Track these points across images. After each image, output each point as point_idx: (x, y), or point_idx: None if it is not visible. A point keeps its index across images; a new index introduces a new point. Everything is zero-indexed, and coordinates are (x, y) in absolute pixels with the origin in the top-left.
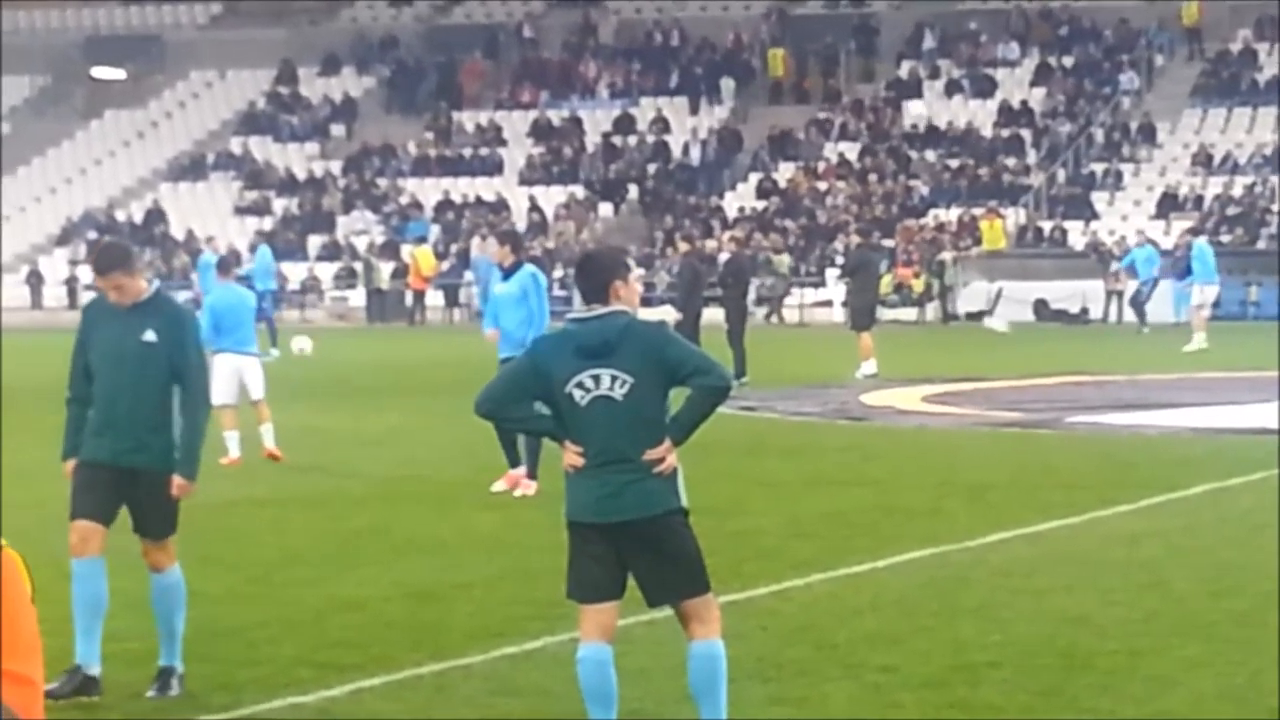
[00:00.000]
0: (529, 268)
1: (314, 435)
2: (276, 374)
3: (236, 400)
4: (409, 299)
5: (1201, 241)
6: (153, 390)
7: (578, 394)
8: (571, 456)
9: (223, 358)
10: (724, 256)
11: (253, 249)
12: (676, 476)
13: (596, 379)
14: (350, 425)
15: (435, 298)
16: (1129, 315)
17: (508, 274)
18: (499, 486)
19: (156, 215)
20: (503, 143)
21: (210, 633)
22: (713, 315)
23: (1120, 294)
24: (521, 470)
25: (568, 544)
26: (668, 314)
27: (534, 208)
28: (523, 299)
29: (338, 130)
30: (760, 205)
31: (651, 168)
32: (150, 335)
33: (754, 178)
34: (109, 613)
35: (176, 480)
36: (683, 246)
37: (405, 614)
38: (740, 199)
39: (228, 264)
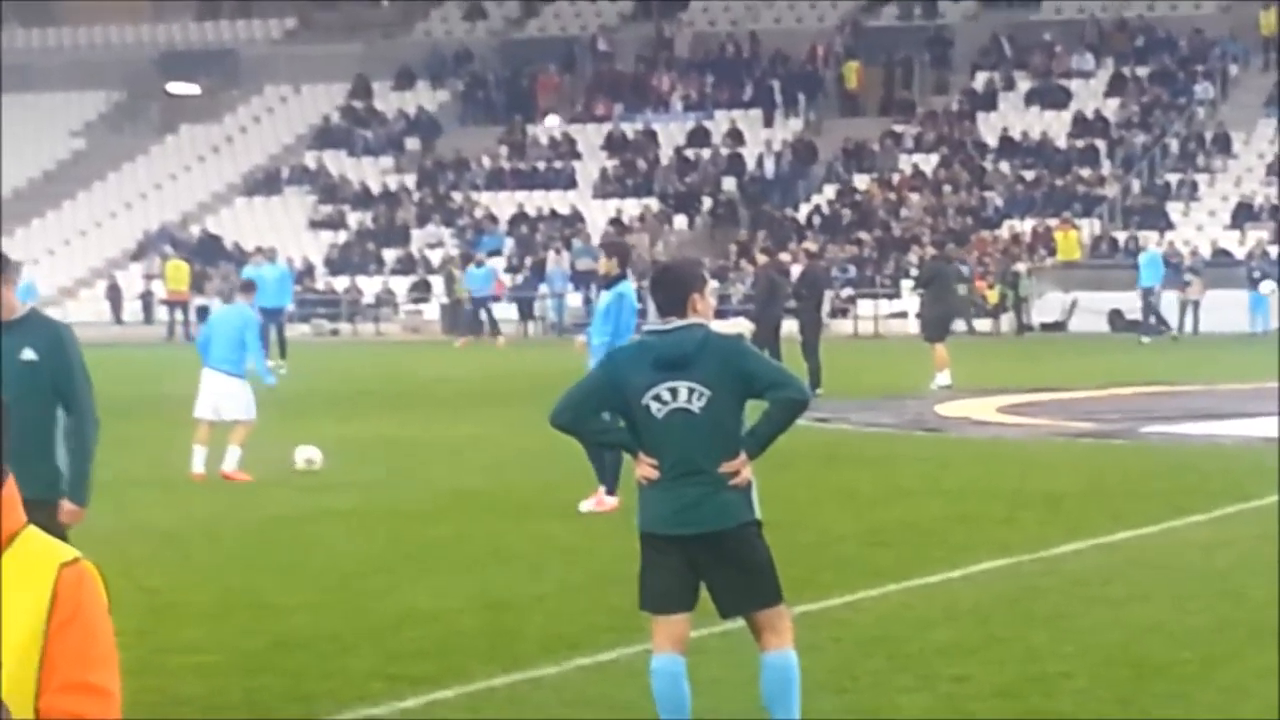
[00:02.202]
0: (623, 283)
1: (390, 446)
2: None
3: (214, 417)
4: (482, 312)
5: None
6: (35, 413)
7: (655, 406)
8: (646, 469)
9: (208, 374)
10: (797, 268)
11: (328, 263)
12: (751, 489)
13: (674, 391)
14: (426, 436)
15: (509, 310)
16: (1204, 325)
17: (608, 286)
18: (587, 506)
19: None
20: (577, 156)
21: (284, 644)
22: (788, 327)
23: (1196, 304)
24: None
25: (640, 555)
26: (742, 326)
27: (615, 220)
28: (606, 314)
29: (412, 144)
30: (833, 215)
31: (726, 180)
32: (30, 354)
33: (829, 189)
34: (180, 623)
35: (66, 506)
36: (761, 259)
37: (480, 625)
38: (814, 210)
39: (250, 285)
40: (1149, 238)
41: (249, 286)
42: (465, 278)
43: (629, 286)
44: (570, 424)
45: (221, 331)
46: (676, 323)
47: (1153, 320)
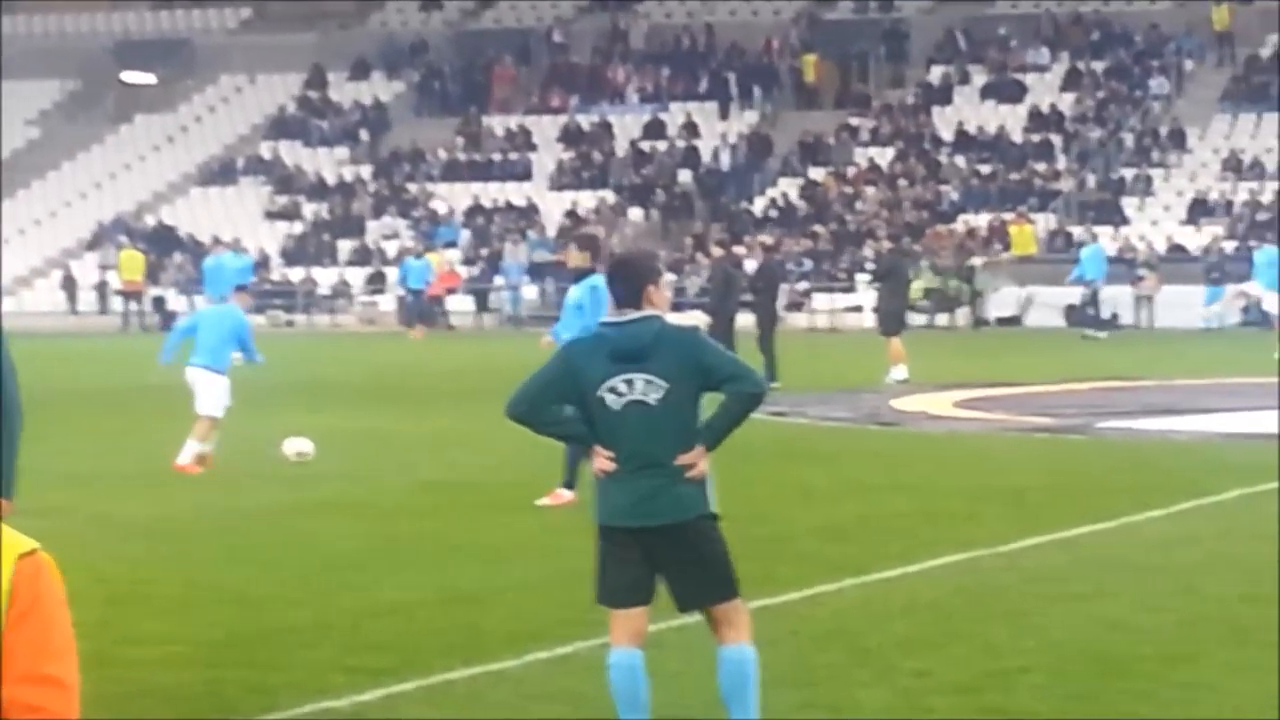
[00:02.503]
0: (594, 276)
1: (350, 440)
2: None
3: (219, 413)
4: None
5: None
6: None
7: (610, 398)
8: (602, 461)
9: (192, 371)
10: (753, 262)
11: (283, 254)
12: (708, 482)
13: (630, 383)
14: (386, 429)
15: (465, 302)
16: (1159, 320)
17: (578, 279)
18: (544, 501)
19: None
20: (533, 148)
21: (246, 636)
22: (744, 320)
23: (1150, 299)
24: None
25: (597, 549)
26: (698, 319)
27: (570, 212)
28: (578, 308)
29: (367, 135)
30: (789, 209)
31: (682, 173)
32: None
33: (785, 182)
34: (142, 615)
35: None
36: (716, 252)
37: (442, 618)
38: (770, 204)
39: (244, 289)
40: (1104, 232)
41: (243, 289)
42: (401, 269)
43: (601, 279)
44: (526, 416)
45: (211, 331)
46: (632, 315)
47: (1091, 314)
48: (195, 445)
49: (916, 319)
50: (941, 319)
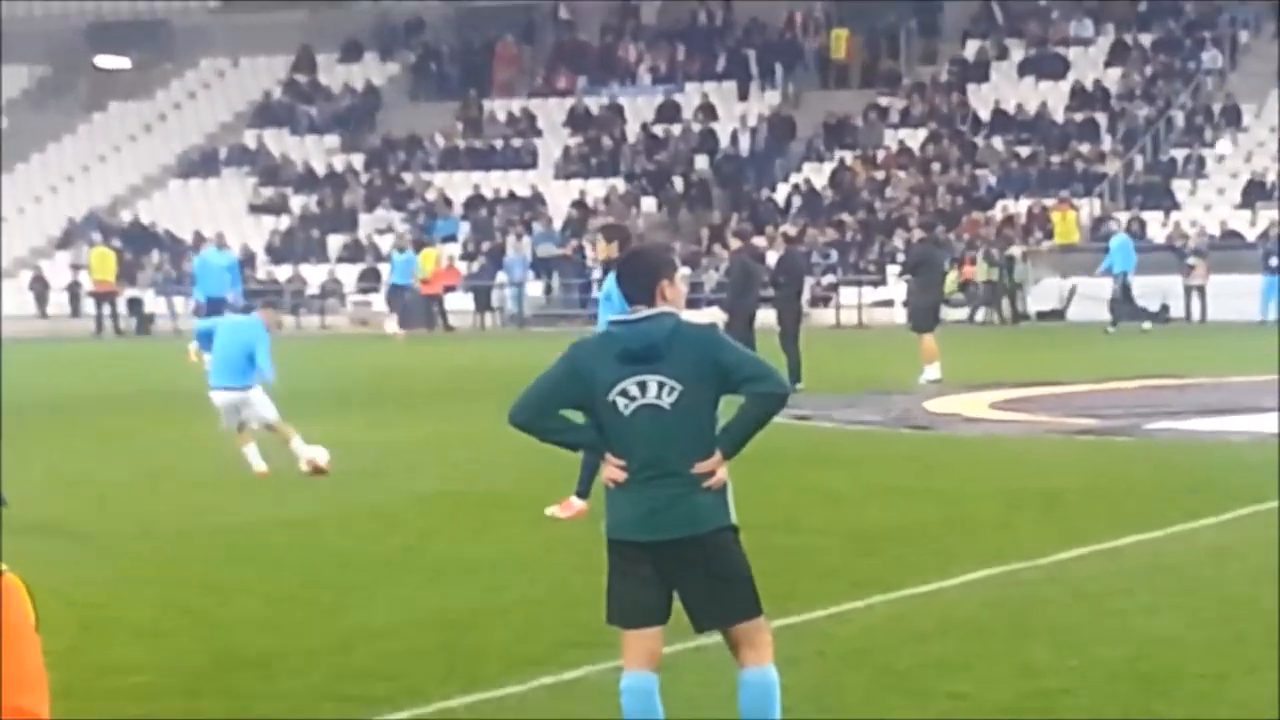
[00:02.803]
0: None
1: (341, 449)
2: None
3: (237, 423)
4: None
5: None
6: None
7: (621, 402)
8: (613, 470)
9: (217, 395)
10: (774, 254)
11: (269, 251)
12: (726, 491)
13: (642, 386)
14: (380, 437)
15: (465, 301)
16: (1211, 313)
17: (608, 272)
18: (553, 511)
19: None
20: (537, 133)
21: (228, 662)
22: (765, 317)
23: (1202, 290)
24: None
25: (608, 564)
26: (715, 315)
27: (578, 202)
28: (607, 299)
29: (360, 121)
30: (813, 196)
31: (698, 158)
32: None
33: (809, 168)
34: (115, 641)
35: None
36: (734, 244)
37: (438, 641)
38: (793, 191)
39: (271, 303)
40: (1153, 218)
41: (271, 305)
42: (392, 264)
43: None
44: (529, 423)
45: (228, 348)
46: (644, 312)
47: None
48: (303, 448)
49: (956, 314)
50: (993, 313)
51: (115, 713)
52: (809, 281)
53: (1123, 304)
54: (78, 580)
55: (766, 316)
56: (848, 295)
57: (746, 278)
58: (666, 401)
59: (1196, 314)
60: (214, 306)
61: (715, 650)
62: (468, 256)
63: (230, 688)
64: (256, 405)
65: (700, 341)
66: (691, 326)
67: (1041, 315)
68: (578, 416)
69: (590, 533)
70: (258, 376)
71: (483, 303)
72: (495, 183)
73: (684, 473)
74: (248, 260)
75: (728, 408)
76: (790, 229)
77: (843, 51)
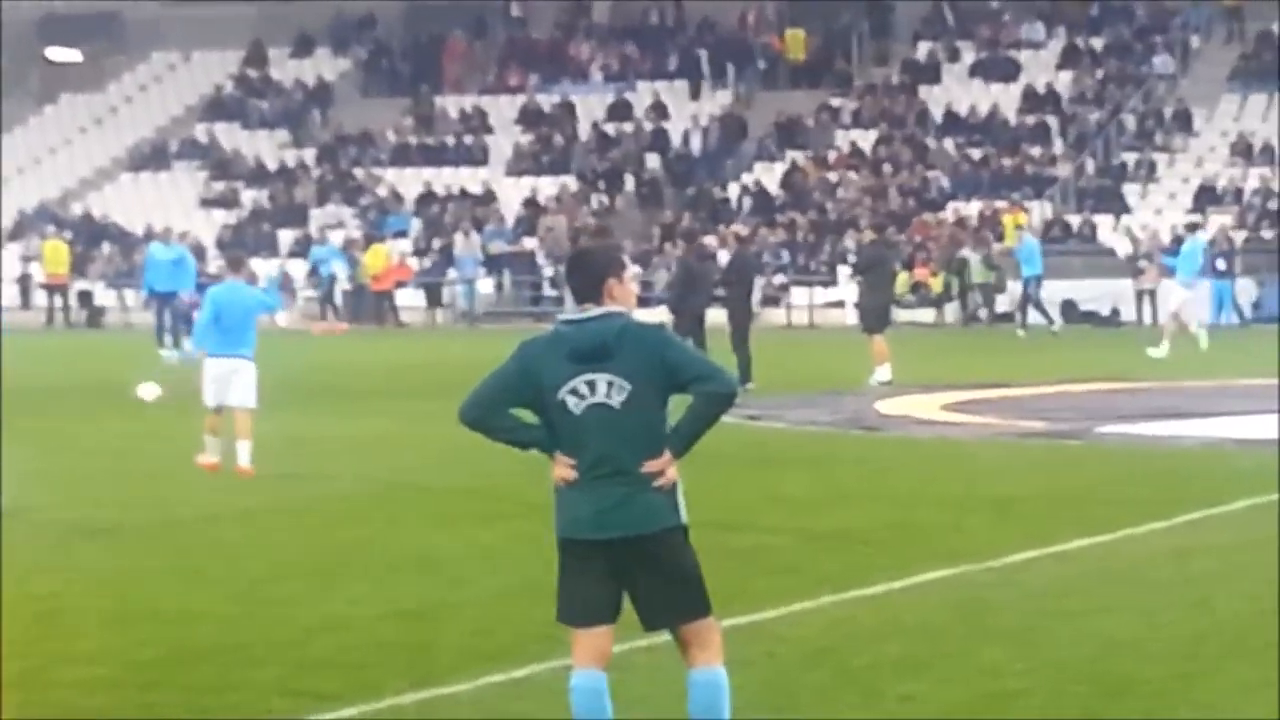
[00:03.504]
0: None
1: (297, 443)
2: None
3: (225, 403)
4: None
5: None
6: None
7: (571, 401)
8: (562, 469)
9: (214, 361)
10: (725, 253)
11: (220, 244)
12: (676, 491)
13: (592, 385)
14: (337, 431)
15: (416, 297)
16: (1162, 317)
17: None
18: None
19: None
20: (489, 130)
21: (184, 655)
22: (716, 317)
23: (1152, 293)
24: None
25: (558, 563)
26: (664, 315)
27: (530, 200)
28: None
29: (311, 116)
30: (764, 196)
31: (649, 157)
32: None
33: (760, 167)
34: (71, 633)
35: None
36: (679, 244)
37: (392, 636)
38: (744, 190)
39: (238, 261)
40: (1104, 221)
41: (237, 263)
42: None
43: None
44: (479, 421)
45: (231, 312)
46: (593, 311)
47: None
48: (247, 445)
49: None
50: (927, 315)
51: (71, 704)
52: (760, 281)
53: (1028, 307)
54: (34, 571)
55: (717, 316)
56: (799, 296)
57: (689, 278)
58: (616, 400)
59: (1148, 318)
60: (162, 300)
61: (665, 650)
62: (419, 253)
63: (186, 681)
64: (247, 379)
65: (649, 341)
66: (640, 326)
67: (995, 317)
68: (529, 416)
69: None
70: (265, 308)
71: (434, 299)
72: (447, 179)
73: (634, 471)
74: (198, 254)
75: (678, 407)
76: (741, 229)
77: (800, 52)
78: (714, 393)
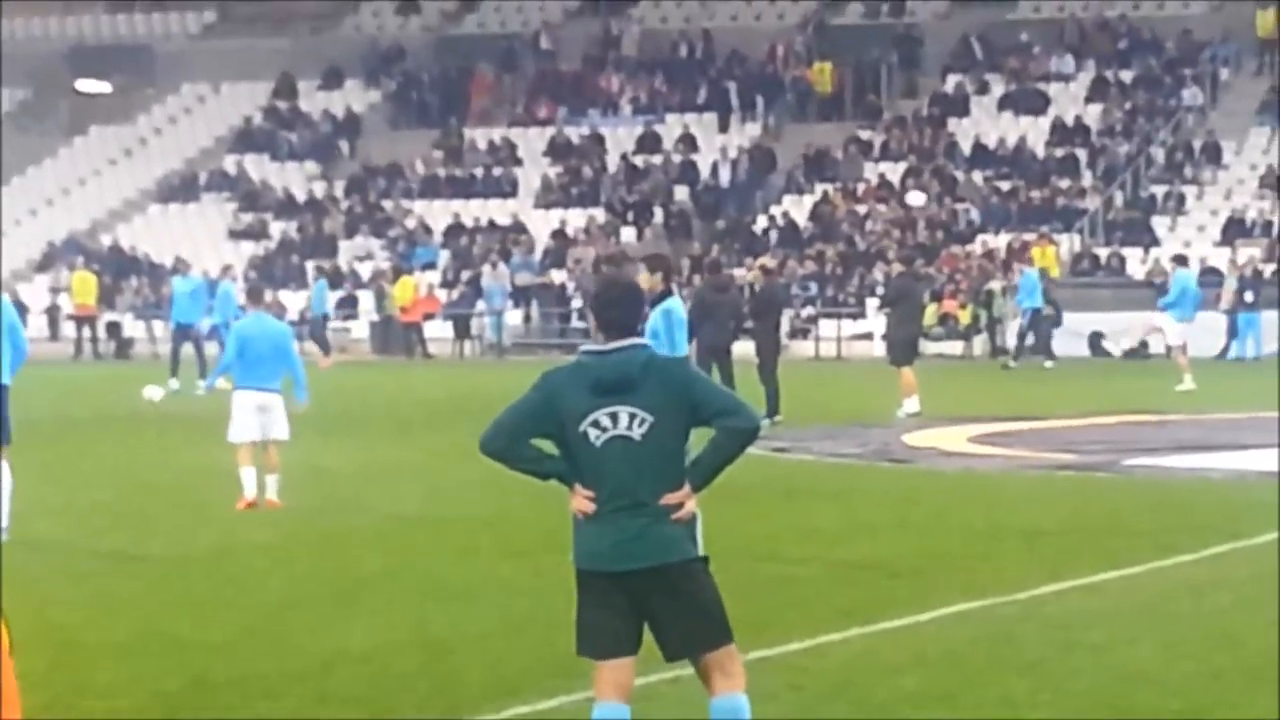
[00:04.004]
0: (669, 300)
1: (320, 474)
2: None
3: (259, 437)
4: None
5: (1185, 271)
6: None
7: (593, 433)
8: (581, 501)
9: (244, 394)
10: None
11: (248, 276)
12: (695, 524)
13: (614, 417)
14: (360, 462)
15: (444, 329)
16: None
17: (653, 305)
18: None
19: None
20: (518, 162)
21: (203, 686)
22: (743, 349)
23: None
24: None
25: (577, 596)
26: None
27: (558, 232)
28: (654, 335)
29: (340, 148)
30: (793, 228)
31: (678, 189)
32: None
33: (789, 199)
34: (92, 663)
35: None
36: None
37: (415, 666)
38: (772, 222)
39: (258, 292)
40: (1133, 254)
41: (257, 294)
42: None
43: (676, 303)
44: (501, 452)
45: (261, 345)
46: (618, 343)
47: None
48: (275, 479)
49: (930, 348)
50: (955, 347)
51: None
52: (788, 313)
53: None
54: (56, 602)
55: (745, 348)
56: (827, 328)
57: (703, 309)
58: (637, 433)
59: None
60: (182, 332)
61: (689, 682)
62: (447, 284)
63: (206, 711)
64: (277, 412)
65: (673, 374)
66: (664, 359)
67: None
68: (549, 446)
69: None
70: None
71: (462, 331)
72: (475, 211)
73: (653, 503)
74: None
75: (700, 438)
76: (769, 261)
77: (828, 85)
78: (736, 428)
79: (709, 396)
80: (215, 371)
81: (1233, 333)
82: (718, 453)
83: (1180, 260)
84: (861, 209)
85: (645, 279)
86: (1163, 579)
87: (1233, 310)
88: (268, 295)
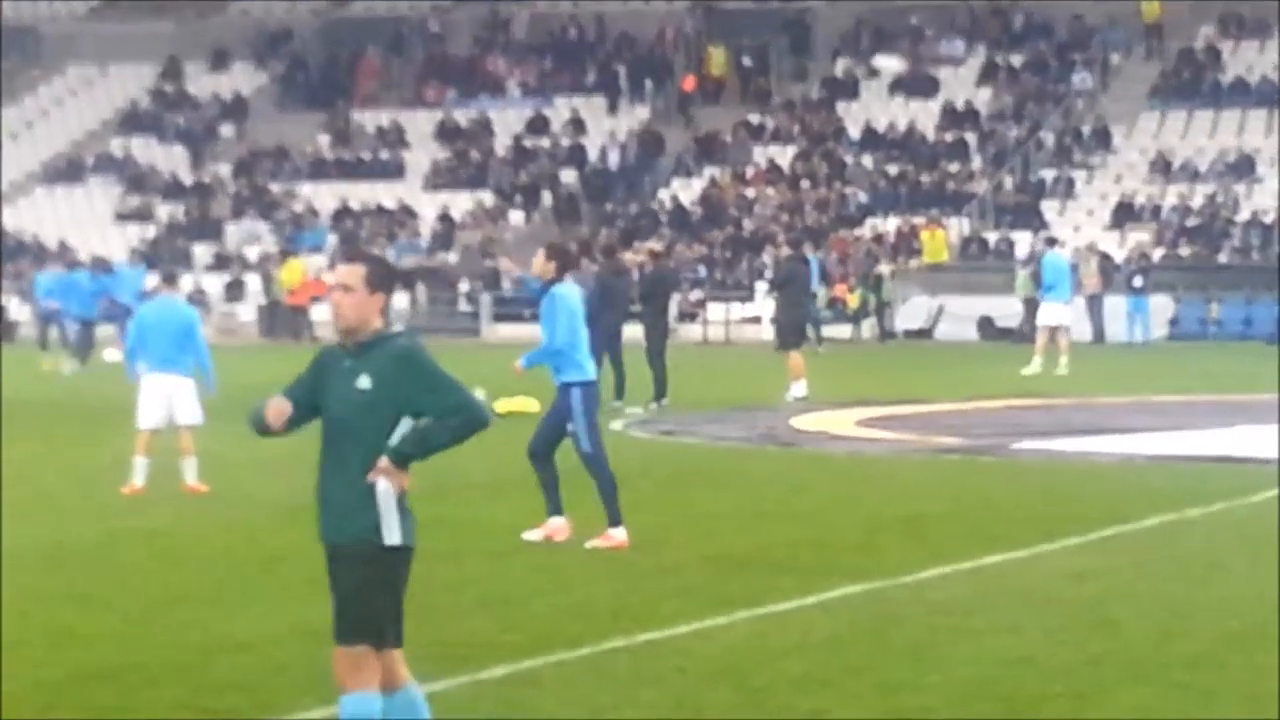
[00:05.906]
0: (559, 286)
1: (205, 460)
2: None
3: (164, 423)
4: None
5: (1056, 252)
6: None
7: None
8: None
9: (149, 379)
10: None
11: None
12: (391, 505)
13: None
14: (245, 450)
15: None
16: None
17: (543, 290)
18: (532, 536)
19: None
20: (406, 145)
21: (83, 676)
22: (632, 332)
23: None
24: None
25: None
26: None
27: (445, 215)
28: (543, 321)
29: (227, 131)
30: (681, 211)
31: (566, 172)
32: None
33: (677, 184)
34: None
35: None
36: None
37: (297, 655)
38: (660, 206)
39: (173, 276)
40: (1022, 238)
41: (172, 277)
42: (115, 281)
43: (564, 287)
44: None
45: (161, 329)
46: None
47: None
48: (193, 462)
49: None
50: (843, 331)
51: None
52: (676, 297)
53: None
54: None
55: (633, 332)
56: (715, 311)
57: (604, 294)
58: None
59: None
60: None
61: (577, 664)
62: (334, 267)
63: (86, 702)
64: (187, 395)
65: (402, 358)
66: (401, 344)
67: (909, 334)
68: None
69: (451, 547)
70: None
71: None
72: (363, 194)
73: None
74: (111, 269)
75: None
76: (657, 244)
77: (722, 68)
78: (457, 420)
79: (434, 384)
80: (128, 360)
81: (1094, 318)
82: (429, 435)
83: (1050, 242)
84: (750, 193)
85: (539, 265)
86: (1047, 564)
87: (1094, 295)
88: (153, 279)
